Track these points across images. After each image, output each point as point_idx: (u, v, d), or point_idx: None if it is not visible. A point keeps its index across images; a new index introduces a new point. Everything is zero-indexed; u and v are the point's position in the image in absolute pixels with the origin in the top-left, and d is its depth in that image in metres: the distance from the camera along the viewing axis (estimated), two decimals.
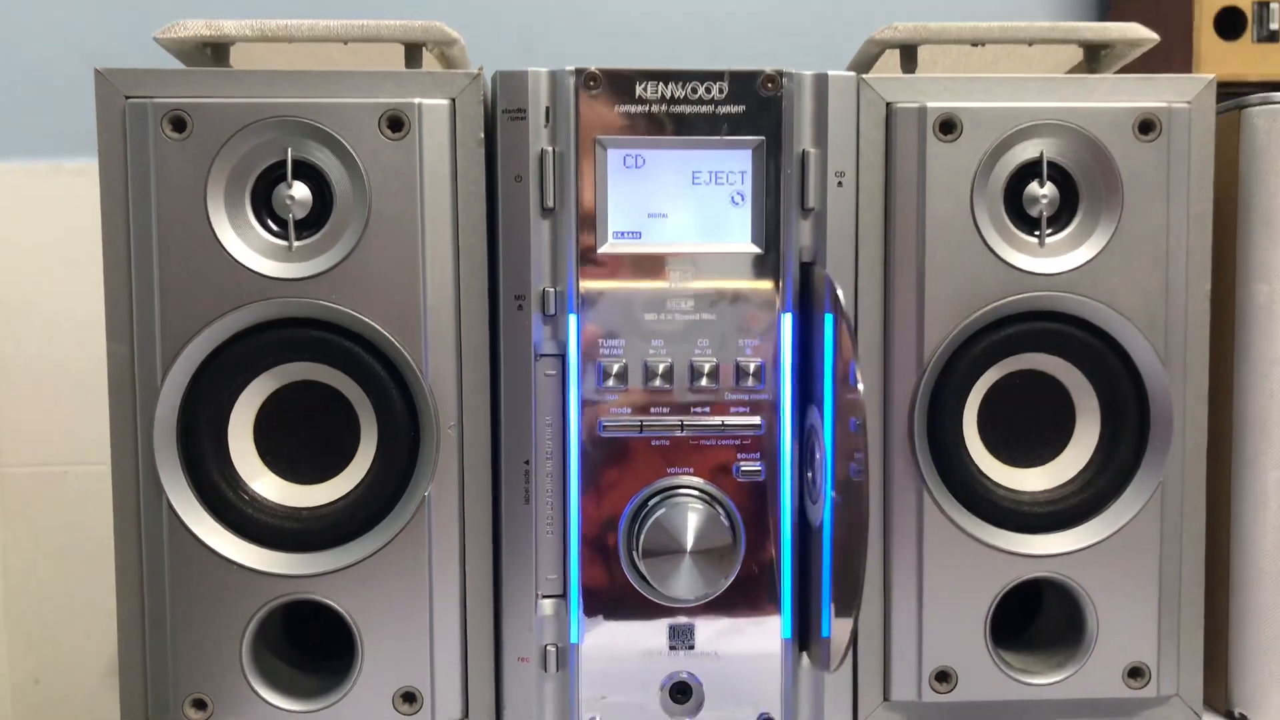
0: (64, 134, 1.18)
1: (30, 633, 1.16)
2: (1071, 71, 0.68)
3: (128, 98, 0.54)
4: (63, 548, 1.16)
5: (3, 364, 1.10)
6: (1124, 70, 0.63)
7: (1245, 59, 1.32)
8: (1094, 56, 0.61)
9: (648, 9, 1.27)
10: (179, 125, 0.54)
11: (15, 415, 1.12)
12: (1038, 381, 0.59)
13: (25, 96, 1.14)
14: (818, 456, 0.53)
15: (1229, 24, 1.32)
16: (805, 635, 0.57)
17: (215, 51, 0.59)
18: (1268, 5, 1.34)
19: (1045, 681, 0.59)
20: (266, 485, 0.57)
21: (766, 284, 0.56)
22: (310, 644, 0.61)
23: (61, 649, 1.17)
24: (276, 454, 0.57)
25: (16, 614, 1.16)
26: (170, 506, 0.55)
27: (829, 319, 0.53)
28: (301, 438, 0.57)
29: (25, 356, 1.12)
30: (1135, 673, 0.58)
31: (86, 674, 1.17)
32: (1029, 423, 0.59)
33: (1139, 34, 0.59)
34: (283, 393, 0.57)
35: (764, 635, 0.57)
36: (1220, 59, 1.31)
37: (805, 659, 0.57)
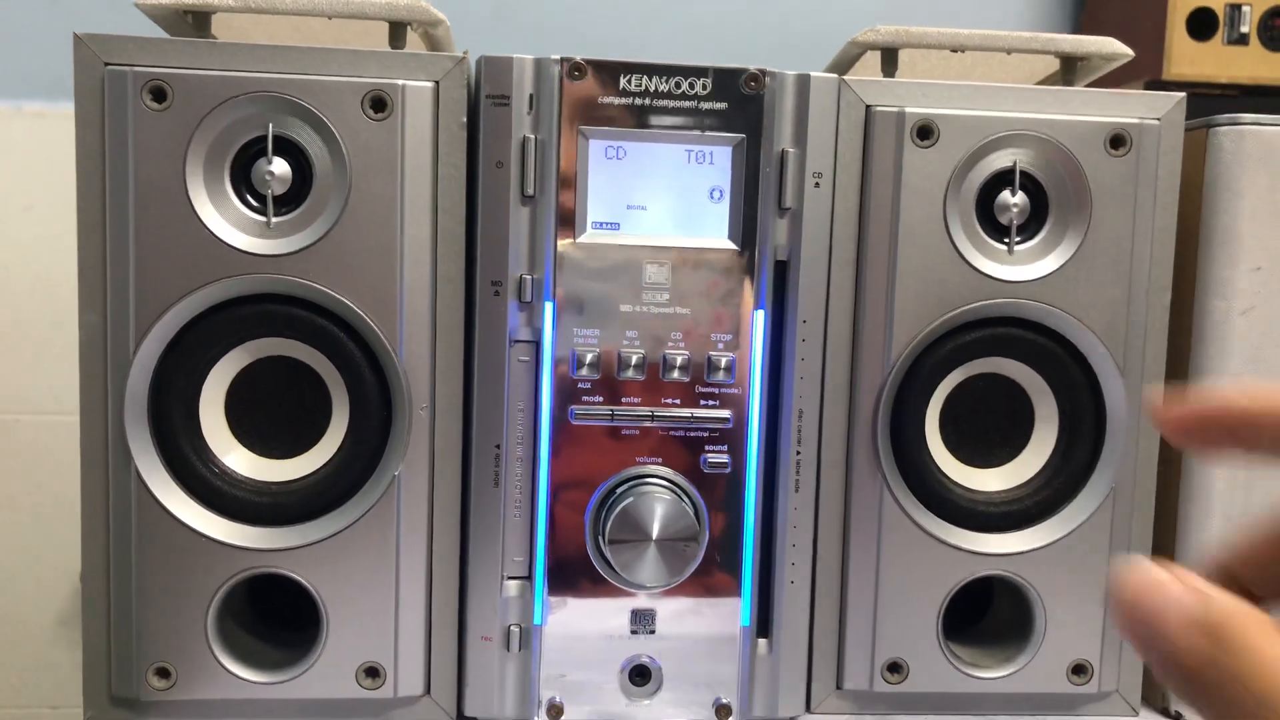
0: (24, 76, 1.15)
1: None
2: (1046, 78, 0.69)
3: (107, 64, 0.53)
4: (11, 496, 1.15)
5: None
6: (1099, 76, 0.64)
7: (1216, 61, 1.34)
8: (1070, 67, 0.62)
9: None
10: (159, 95, 0.53)
11: None
12: (1000, 385, 0.60)
13: None
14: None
15: (1201, 25, 1.34)
16: (764, 622, 0.59)
17: (197, 19, 0.58)
18: (1240, 7, 1.36)
19: (993, 675, 0.61)
20: (237, 459, 0.57)
21: (741, 280, 0.57)
22: (275, 616, 0.61)
23: (10, 598, 1.16)
24: (247, 428, 0.57)
25: None
26: (139, 477, 0.55)
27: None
28: (273, 412, 0.57)
29: None
30: (1079, 669, 0.61)
31: (36, 624, 1.16)
32: (989, 424, 0.61)
33: (1114, 49, 0.60)
34: (255, 367, 0.57)
35: (723, 622, 0.58)
36: (1191, 60, 1.33)
37: (762, 645, 0.59)
